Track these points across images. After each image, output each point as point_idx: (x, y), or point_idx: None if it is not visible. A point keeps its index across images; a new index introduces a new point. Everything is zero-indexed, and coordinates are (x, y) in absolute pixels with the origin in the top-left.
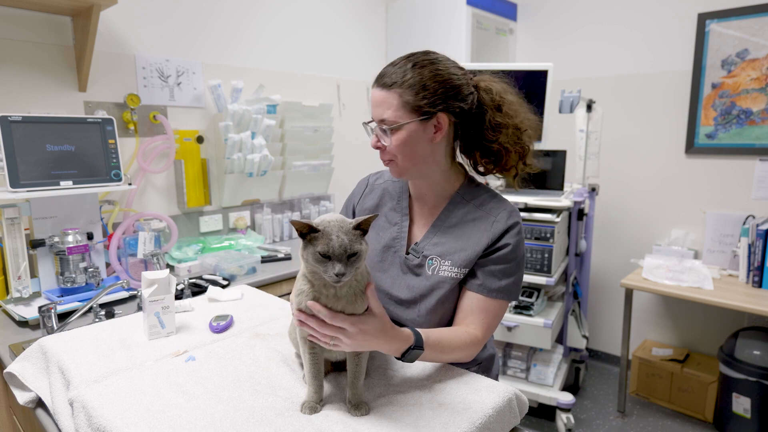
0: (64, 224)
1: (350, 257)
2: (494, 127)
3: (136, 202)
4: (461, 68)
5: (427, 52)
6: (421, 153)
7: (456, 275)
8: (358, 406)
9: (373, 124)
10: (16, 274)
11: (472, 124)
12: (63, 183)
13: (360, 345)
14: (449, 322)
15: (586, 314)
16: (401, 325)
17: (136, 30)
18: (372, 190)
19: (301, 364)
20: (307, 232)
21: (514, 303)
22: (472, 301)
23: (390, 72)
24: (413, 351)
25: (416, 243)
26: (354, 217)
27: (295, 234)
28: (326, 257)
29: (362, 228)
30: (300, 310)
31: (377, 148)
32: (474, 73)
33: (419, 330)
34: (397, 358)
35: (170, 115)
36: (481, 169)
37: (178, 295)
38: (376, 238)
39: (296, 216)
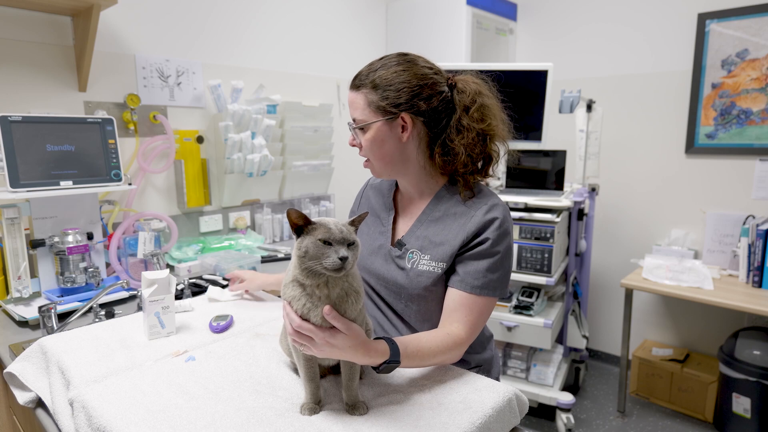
0: (64, 224)
1: (349, 246)
2: (458, 128)
3: (136, 202)
4: (432, 67)
5: (400, 54)
6: (391, 152)
7: (434, 269)
8: (356, 406)
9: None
10: (16, 274)
11: (441, 122)
12: (63, 183)
13: (328, 354)
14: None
15: (586, 314)
16: (396, 319)
17: (136, 30)
18: (371, 190)
19: (296, 369)
20: (303, 224)
21: (514, 303)
22: (454, 297)
23: (360, 73)
24: (388, 365)
25: (402, 236)
26: None
27: None
28: (327, 243)
29: (355, 225)
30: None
31: (353, 146)
32: (456, 72)
33: (397, 340)
34: (374, 368)
35: (170, 115)
36: (438, 162)
37: (178, 295)
38: (367, 232)
39: None
